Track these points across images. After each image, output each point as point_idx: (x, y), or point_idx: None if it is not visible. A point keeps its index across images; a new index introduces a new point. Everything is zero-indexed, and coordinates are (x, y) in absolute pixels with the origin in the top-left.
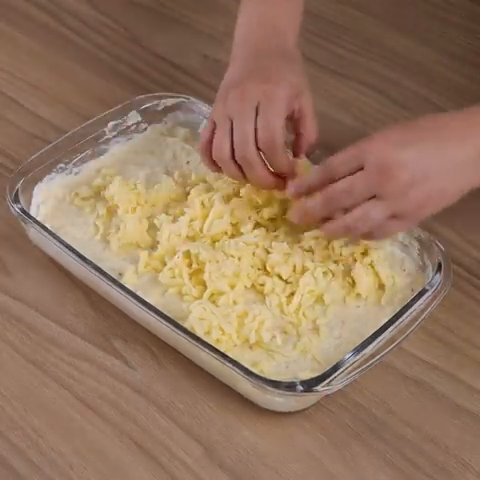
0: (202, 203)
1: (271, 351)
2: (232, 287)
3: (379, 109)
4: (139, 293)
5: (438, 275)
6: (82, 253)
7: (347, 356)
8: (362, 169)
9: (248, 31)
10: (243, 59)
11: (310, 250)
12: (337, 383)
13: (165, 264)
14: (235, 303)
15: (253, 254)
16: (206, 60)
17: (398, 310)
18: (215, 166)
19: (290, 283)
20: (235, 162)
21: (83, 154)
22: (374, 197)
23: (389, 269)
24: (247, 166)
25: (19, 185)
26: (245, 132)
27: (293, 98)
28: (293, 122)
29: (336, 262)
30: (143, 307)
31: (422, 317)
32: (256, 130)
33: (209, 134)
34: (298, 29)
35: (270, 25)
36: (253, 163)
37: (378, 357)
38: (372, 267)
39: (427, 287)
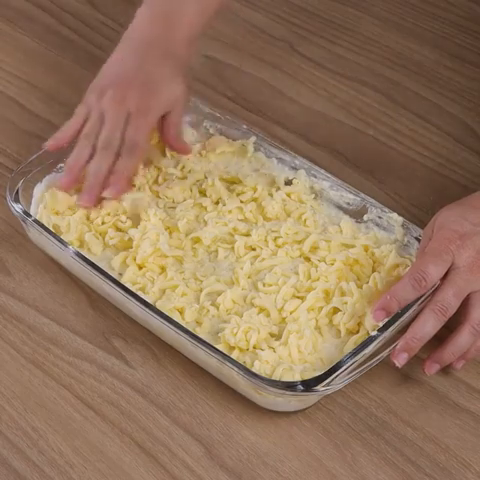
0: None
1: (271, 350)
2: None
3: (379, 109)
4: (139, 293)
5: None
6: (82, 253)
7: (347, 356)
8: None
9: (139, 22)
10: (128, 53)
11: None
12: (337, 383)
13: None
14: (234, 302)
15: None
16: (206, 60)
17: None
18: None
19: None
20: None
21: None
22: None
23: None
24: (96, 163)
25: (19, 185)
26: (111, 137)
27: (163, 112)
28: (159, 130)
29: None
30: (143, 307)
31: None
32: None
33: (81, 121)
34: (200, 25)
35: (163, 18)
36: (101, 166)
37: (378, 357)
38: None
39: None
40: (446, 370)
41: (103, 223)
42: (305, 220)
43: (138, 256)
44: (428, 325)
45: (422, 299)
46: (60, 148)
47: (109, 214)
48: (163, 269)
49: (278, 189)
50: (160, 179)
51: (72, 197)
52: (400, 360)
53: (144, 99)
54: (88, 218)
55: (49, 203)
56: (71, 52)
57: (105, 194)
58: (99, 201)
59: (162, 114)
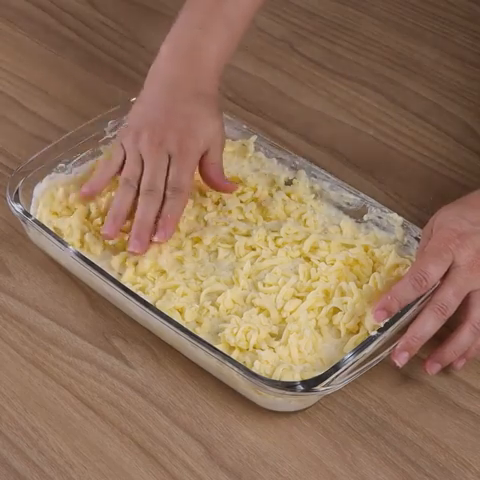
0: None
1: (271, 350)
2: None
3: (379, 109)
4: (139, 293)
5: None
6: (82, 253)
7: (347, 356)
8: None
9: (164, 60)
10: (158, 93)
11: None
12: (337, 383)
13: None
14: (234, 302)
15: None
16: None
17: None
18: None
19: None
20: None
21: (83, 154)
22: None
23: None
24: (142, 207)
25: (19, 185)
26: (155, 181)
27: (203, 152)
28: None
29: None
30: (143, 307)
31: None
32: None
33: (121, 159)
34: (228, 54)
35: (188, 57)
36: (149, 210)
37: (378, 357)
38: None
39: None
40: (446, 370)
41: (103, 223)
42: (305, 220)
43: (137, 267)
44: (428, 324)
45: (422, 299)
46: (95, 195)
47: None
48: (163, 272)
49: (278, 189)
50: None
51: (70, 197)
52: (401, 360)
53: (183, 141)
54: (88, 218)
55: (47, 204)
56: (71, 52)
57: (155, 239)
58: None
59: (201, 154)
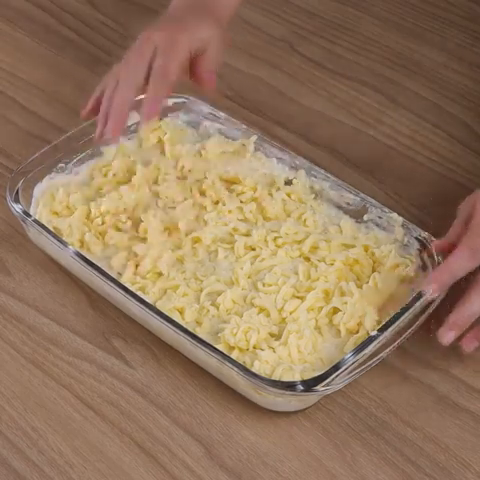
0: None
1: (271, 350)
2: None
3: (379, 109)
4: (139, 293)
5: None
6: (82, 253)
7: (347, 356)
8: None
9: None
10: (166, 17)
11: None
12: (337, 383)
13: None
14: (234, 302)
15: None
16: None
17: (398, 310)
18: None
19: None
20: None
21: (83, 154)
22: None
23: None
24: (118, 91)
25: (19, 185)
26: (135, 68)
27: (195, 49)
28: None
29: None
30: (143, 307)
31: (422, 317)
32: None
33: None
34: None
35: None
36: (123, 94)
37: (378, 357)
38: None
39: None
40: (446, 370)
41: (103, 223)
42: (305, 220)
43: (138, 269)
44: (476, 304)
45: (422, 299)
46: (94, 110)
47: (109, 212)
48: (161, 274)
49: (278, 189)
50: (160, 179)
51: (70, 197)
52: (448, 338)
53: (172, 34)
54: (88, 218)
55: (47, 204)
56: (71, 52)
57: (141, 118)
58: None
59: (192, 50)
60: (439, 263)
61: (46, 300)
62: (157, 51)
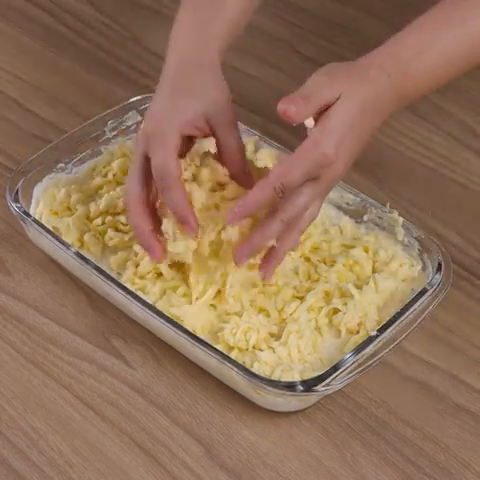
0: None
1: (270, 350)
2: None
3: None
4: (139, 293)
5: (438, 275)
6: (82, 253)
7: (347, 356)
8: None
9: (169, 64)
10: (159, 91)
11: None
12: (337, 383)
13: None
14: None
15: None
16: None
17: (398, 310)
18: None
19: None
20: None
21: (83, 154)
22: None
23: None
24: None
25: (19, 185)
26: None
27: (190, 123)
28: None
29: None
30: (143, 307)
31: (422, 317)
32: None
33: None
34: (227, 38)
35: (192, 38)
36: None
37: (378, 357)
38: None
39: (427, 287)
40: (446, 370)
41: (103, 223)
42: None
43: (138, 269)
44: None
45: (422, 299)
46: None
47: (108, 212)
48: (160, 274)
49: None
50: None
51: (70, 198)
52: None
53: (161, 120)
54: (88, 218)
55: (48, 204)
56: (71, 52)
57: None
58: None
59: (182, 132)
60: (440, 263)
61: (46, 300)
62: (149, 147)
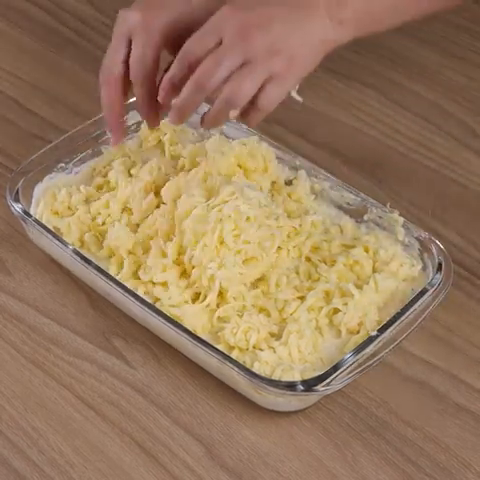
0: None
1: (271, 350)
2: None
3: (379, 109)
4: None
5: (438, 275)
6: (82, 253)
7: (347, 356)
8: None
9: None
10: None
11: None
12: (337, 383)
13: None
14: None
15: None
16: None
17: (398, 310)
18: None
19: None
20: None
21: (83, 154)
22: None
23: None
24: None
25: (19, 185)
26: (109, 64)
27: (174, 25)
28: None
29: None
30: (143, 307)
31: (422, 317)
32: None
33: None
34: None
35: None
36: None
37: (378, 357)
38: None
39: (427, 287)
40: (446, 370)
41: (103, 224)
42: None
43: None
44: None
45: (422, 299)
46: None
47: (109, 216)
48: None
49: (278, 189)
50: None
51: (71, 198)
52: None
53: (145, 15)
54: (92, 219)
55: (48, 203)
56: (71, 52)
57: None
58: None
59: (169, 23)
60: (440, 263)
61: (46, 300)
62: (132, 37)
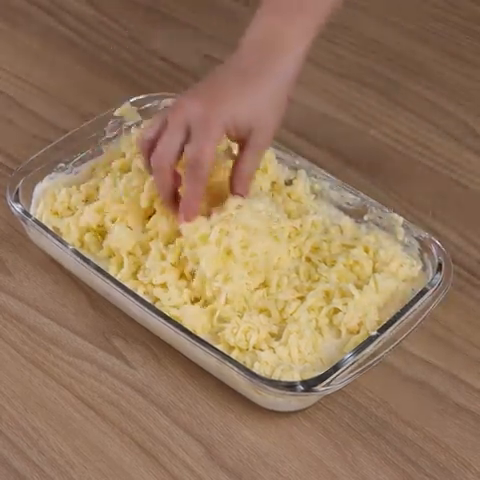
0: None
1: (271, 350)
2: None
3: (379, 109)
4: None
5: (438, 275)
6: (82, 253)
7: (347, 356)
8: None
9: (243, 44)
10: (217, 73)
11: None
12: (337, 383)
13: None
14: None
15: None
16: (206, 60)
17: (398, 310)
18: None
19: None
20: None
21: (83, 154)
22: None
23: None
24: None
25: (19, 185)
26: (168, 150)
27: (234, 128)
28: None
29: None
30: (143, 307)
31: (422, 317)
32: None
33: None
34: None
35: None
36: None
37: (378, 357)
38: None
39: (427, 287)
40: (446, 370)
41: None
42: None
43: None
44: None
45: (422, 299)
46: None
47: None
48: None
49: (278, 189)
50: None
51: (71, 198)
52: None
53: (211, 108)
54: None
55: (48, 204)
56: (71, 52)
57: (179, 218)
58: None
59: (226, 126)
60: (440, 263)
61: (46, 300)
62: (190, 129)
